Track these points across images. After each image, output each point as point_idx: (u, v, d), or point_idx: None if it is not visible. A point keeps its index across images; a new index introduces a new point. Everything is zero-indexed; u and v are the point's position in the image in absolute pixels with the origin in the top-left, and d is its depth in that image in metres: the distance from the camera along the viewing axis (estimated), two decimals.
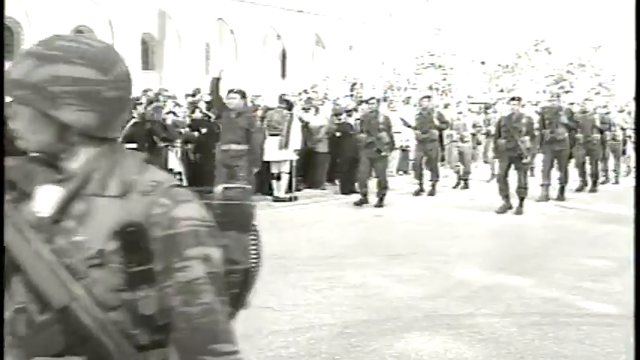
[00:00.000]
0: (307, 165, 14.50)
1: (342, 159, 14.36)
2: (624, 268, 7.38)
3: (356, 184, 14.15)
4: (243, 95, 10.28)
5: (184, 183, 11.54)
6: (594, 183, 14.99)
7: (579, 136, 14.55)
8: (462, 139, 16.07)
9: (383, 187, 12.33)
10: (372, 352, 5.05)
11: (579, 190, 14.67)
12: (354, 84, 29.43)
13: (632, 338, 4.13)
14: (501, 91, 44.84)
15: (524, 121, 11.64)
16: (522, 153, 11.42)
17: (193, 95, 14.79)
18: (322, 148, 14.43)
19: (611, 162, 16.83)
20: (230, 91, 10.21)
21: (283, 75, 34.99)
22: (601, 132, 15.30)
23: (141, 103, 11.48)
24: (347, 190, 14.06)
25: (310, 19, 33.97)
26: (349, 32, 36.36)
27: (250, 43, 31.68)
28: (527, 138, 11.50)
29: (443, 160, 17.56)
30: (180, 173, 11.43)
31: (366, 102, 13.60)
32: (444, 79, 46.81)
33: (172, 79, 26.76)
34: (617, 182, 16.60)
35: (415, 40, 45.86)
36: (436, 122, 14.12)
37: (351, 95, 22.77)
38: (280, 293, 6.57)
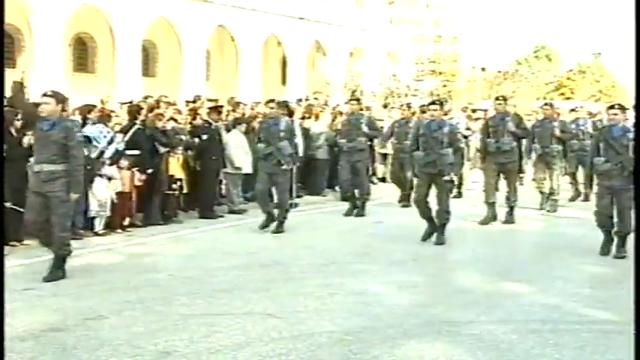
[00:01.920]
0: (307, 172, 14.52)
1: None
2: (624, 275, 7.37)
3: (356, 191, 14.16)
4: (59, 100, 7.55)
5: (185, 190, 11.54)
6: (553, 200, 12.68)
7: (536, 146, 12.63)
8: (402, 150, 13.17)
9: (284, 210, 10.42)
10: (372, 359, 5.05)
11: (541, 208, 12.63)
12: (355, 91, 29.49)
13: (633, 345, 4.13)
14: None
15: (446, 130, 9.58)
16: (443, 169, 9.46)
17: (194, 102, 14.82)
18: (322, 154, 14.45)
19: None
20: (43, 95, 7.65)
21: (284, 82, 35.02)
22: (563, 142, 13.05)
23: (142, 109, 11.49)
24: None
25: (311, 26, 34.00)
26: (350, 39, 36.41)
27: (251, 50, 31.70)
28: (449, 150, 9.49)
29: (374, 173, 15.12)
30: (180, 180, 11.42)
31: (267, 103, 11.42)
32: (445, 86, 46.92)
33: (173, 85, 26.77)
34: (587, 199, 13.81)
35: (415, 47, 45.93)
36: (365, 129, 12.23)
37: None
38: (280, 300, 6.57)
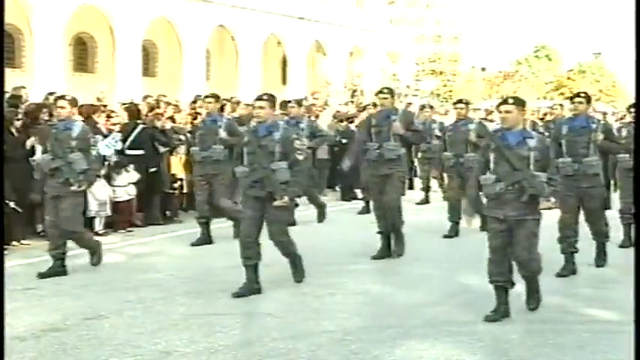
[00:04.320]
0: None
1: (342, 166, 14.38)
2: (624, 275, 7.37)
3: (357, 191, 14.16)
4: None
5: (185, 189, 11.53)
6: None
7: (448, 154, 10.41)
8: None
9: (66, 238, 7.58)
10: (372, 359, 5.05)
11: (450, 235, 10.07)
12: (355, 90, 29.49)
13: (633, 345, 4.13)
14: (502, 97, 44.89)
15: (277, 136, 6.75)
16: (274, 190, 6.67)
17: (194, 102, 14.81)
18: (322, 154, 14.44)
19: None
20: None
21: (284, 81, 35.02)
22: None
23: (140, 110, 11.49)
24: (348, 196, 14.07)
25: (311, 26, 33.99)
26: (350, 39, 36.41)
27: (251, 50, 31.71)
28: (282, 164, 6.69)
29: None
30: (181, 179, 11.42)
31: (57, 100, 8.11)
32: (445, 86, 46.97)
33: (173, 85, 26.78)
34: None
35: (416, 47, 45.94)
36: (222, 135, 9.33)
37: (352, 102, 22.79)
38: (281, 300, 6.57)
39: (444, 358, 5.06)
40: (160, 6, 27.89)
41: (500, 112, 6.06)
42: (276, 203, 6.69)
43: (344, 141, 14.38)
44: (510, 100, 6.04)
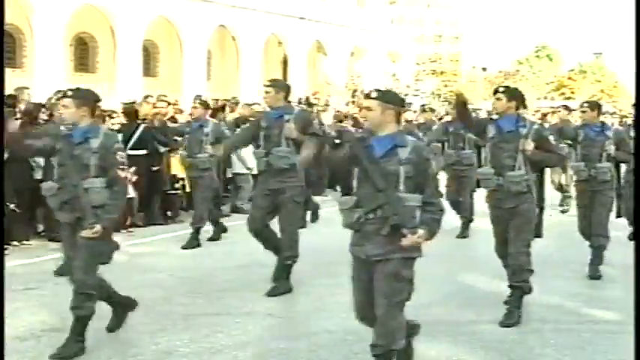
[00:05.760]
0: (307, 171, 14.50)
1: None
2: (624, 275, 7.37)
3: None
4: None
5: (186, 189, 11.52)
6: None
7: None
8: (197, 167, 9.53)
9: None
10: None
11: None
12: (355, 90, 29.50)
13: (633, 345, 4.13)
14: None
15: (95, 144, 5.02)
16: (84, 215, 4.96)
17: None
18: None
19: None
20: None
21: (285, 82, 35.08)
22: None
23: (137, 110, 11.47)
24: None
25: (312, 26, 34.01)
26: (351, 39, 36.42)
27: (252, 50, 31.72)
28: (96, 181, 4.99)
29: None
30: (182, 179, 11.41)
31: None
32: (446, 86, 46.93)
33: (174, 85, 26.80)
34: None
35: (416, 47, 45.94)
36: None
37: (353, 102, 22.81)
38: (280, 300, 6.57)
39: (444, 358, 5.06)
40: (160, 6, 27.90)
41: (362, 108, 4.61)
42: (83, 233, 4.92)
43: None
44: (373, 94, 4.26)
